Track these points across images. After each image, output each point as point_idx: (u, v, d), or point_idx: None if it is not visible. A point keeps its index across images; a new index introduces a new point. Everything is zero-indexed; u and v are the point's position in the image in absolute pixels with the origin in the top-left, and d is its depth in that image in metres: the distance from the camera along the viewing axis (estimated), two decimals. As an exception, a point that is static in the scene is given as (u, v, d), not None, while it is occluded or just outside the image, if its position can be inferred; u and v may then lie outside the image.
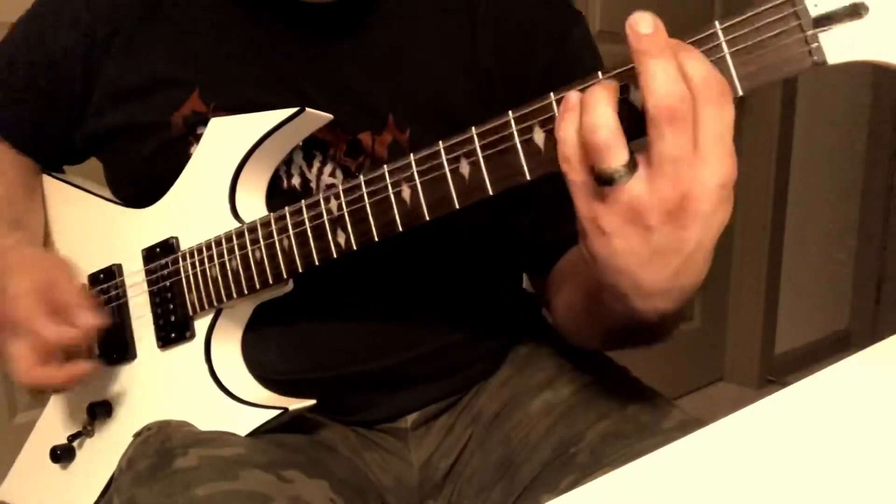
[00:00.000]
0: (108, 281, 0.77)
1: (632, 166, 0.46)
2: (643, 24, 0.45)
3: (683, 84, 0.44)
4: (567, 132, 0.48)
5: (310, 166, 0.73)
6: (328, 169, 0.73)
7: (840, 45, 0.44)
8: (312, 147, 0.72)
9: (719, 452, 0.43)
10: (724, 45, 0.47)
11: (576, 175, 0.48)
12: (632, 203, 0.46)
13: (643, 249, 0.48)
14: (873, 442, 0.43)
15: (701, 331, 2.54)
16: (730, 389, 2.59)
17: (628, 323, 0.56)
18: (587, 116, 0.46)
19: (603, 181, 0.47)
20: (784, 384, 0.50)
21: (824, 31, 0.44)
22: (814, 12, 0.44)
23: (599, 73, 0.49)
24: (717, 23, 0.47)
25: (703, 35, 0.47)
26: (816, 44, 0.45)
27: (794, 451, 0.43)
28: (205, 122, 0.71)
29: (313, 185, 0.73)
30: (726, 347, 2.64)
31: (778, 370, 2.61)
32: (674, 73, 0.44)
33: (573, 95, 0.48)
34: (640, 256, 0.48)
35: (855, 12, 0.43)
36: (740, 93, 0.47)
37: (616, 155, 0.46)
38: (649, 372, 0.81)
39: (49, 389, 0.76)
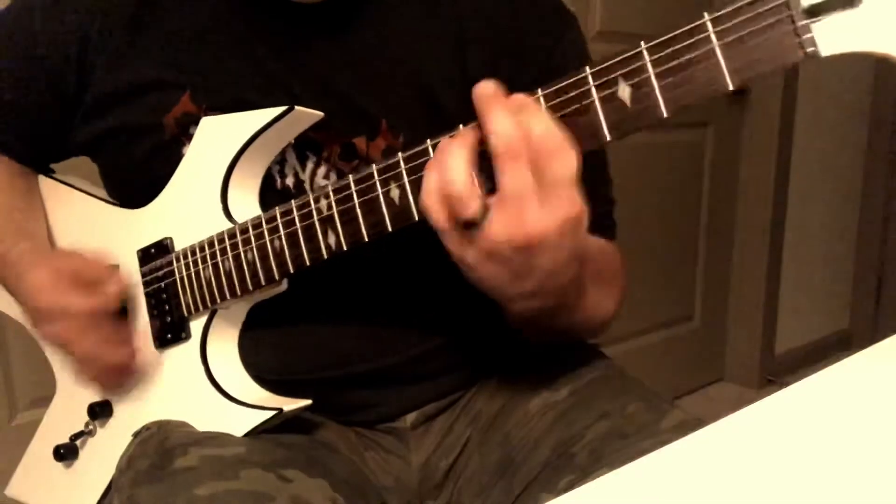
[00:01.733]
0: (106, 281, 0.77)
1: (486, 209, 0.53)
2: (487, 87, 0.53)
3: (519, 129, 0.51)
4: (428, 186, 0.54)
5: (303, 167, 0.73)
6: (322, 170, 0.73)
7: (833, 37, 0.43)
8: (305, 147, 0.72)
9: (719, 452, 0.43)
10: (713, 37, 0.46)
11: (440, 223, 0.55)
12: (488, 242, 0.53)
13: (504, 275, 0.55)
14: (873, 442, 0.43)
15: (701, 331, 2.55)
16: (730, 389, 2.59)
17: (528, 318, 0.64)
18: (442, 172, 0.53)
19: (465, 225, 0.54)
20: (784, 384, 0.50)
21: (817, 21, 0.44)
22: (805, 3, 0.43)
23: (587, 68, 0.51)
24: (705, 14, 0.47)
25: (691, 27, 0.47)
26: (809, 35, 0.44)
27: (794, 451, 0.43)
28: (197, 123, 0.71)
29: (307, 185, 0.73)
30: (726, 347, 2.65)
31: (778, 370, 2.61)
32: (511, 119, 0.51)
33: (446, 141, 0.54)
34: (502, 279, 0.56)
35: (848, 2, 0.43)
36: (730, 86, 0.47)
37: (470, 204, 0.52)
38: (649, 372, 0.81)
39: (106, 375, 0.75)
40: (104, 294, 0.71)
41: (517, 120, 0.51)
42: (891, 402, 0.48)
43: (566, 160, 0.51)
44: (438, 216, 0.54)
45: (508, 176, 0.51)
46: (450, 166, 0.53)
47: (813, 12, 0.43)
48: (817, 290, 2.78)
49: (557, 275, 0.56)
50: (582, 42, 0.78)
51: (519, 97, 0.53)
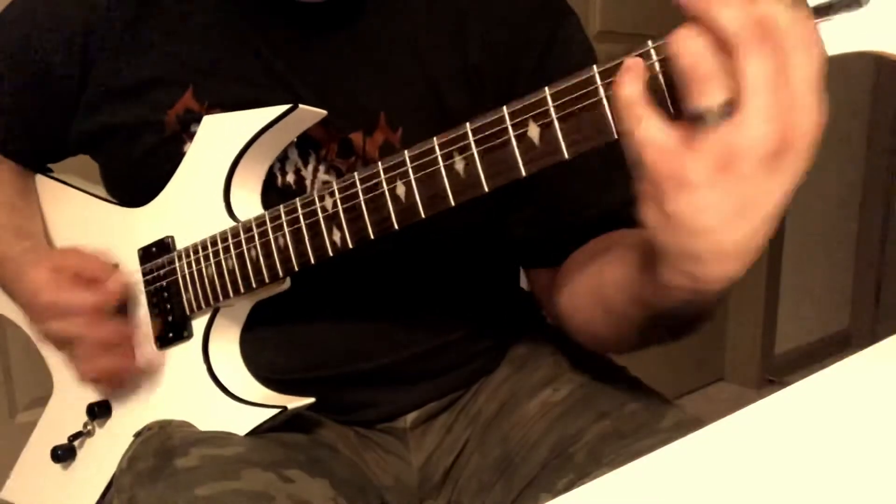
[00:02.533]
0: (106, 280, 0.77)
1: (729, 105, 0.42)
2: None
3: (756, 13, 0.41)
4: (631, 89, 0.45)
5: (305, 164, 0.73)
6: (323, 167, 0.73)
7: (839, 36, 0.43)
8: (307, 145, 0.72)
9: (719, 452, 0.43)
10: None
11: (651, 128, 0.45)
12: (726, 146, 0.42)
13: (731, 202, 0.44)
14: (873, 442, 0.43)
15: (701, 331, 2.54)
16: (730, 389, 2.59)
17: (678, 304, 0.53)
18: (687, 50, 0.42)
19: (698, 121, 0.43)
20: (784, 384, 0.50)
21: (823, 21, 0.44)
22: (812, 2, 0.43)
23: (594, 67, 0.49)
24: None
25: None
26: None
27: (794, 451, 0.43)
28: (198, 121, 0.71)
29: (308, 182, 0.73)
30: (726, 347, 2.64)
31: (778, 370, 2.61)
32: (751, 6, 0.41)
33: (633, 58, 0.46)
34: (726, 211, 0.44)
35: (855, 1, 0.42)
36: None
37: (720, 87, 0.42)
38: (649, 372, 0.81)
39: (107, 374, 0.75)
40: (105, 291, 0.71)
41: (753, 6, 0.41)
42: (891, 402, 0.48)
43: (815, 55, 0.42)
44: (649, 121, 0.45)
45: (757, 62, 0.41)
46: (691, 43, 0.42)
47: (819, 12, 0.43)
48: (817, 290, 2.78)
49: (773, 216, 0.45)
50: (582, 33, 0.78)
51: None
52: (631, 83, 0.45)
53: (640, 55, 0.47)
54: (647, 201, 0.47)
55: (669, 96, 0.46)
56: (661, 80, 0.46)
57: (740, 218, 0.44)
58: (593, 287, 0.66)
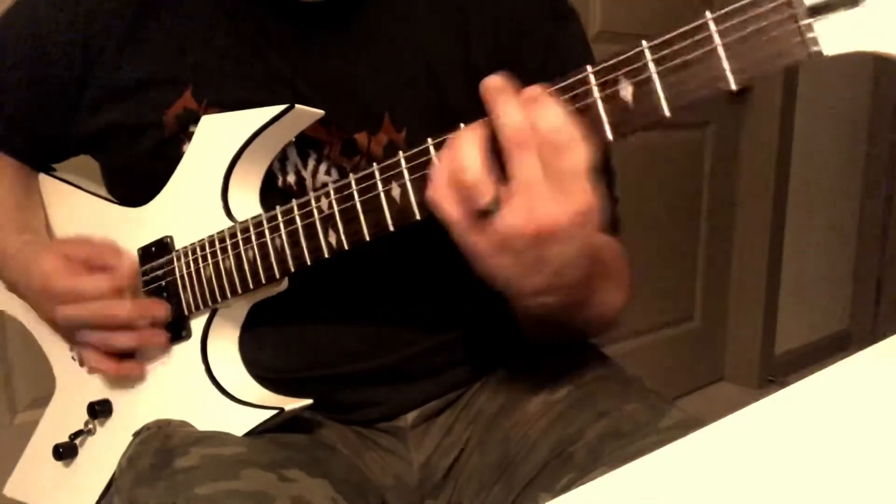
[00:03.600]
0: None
1: (498, 200, 0.52)
2: (495, 80, 0.53)
3: (528, 119, 0.51)
4: (440, 178, 0.54)
5: (305, 164, 0.73)
6: (323, 167, 0.73)
7: (837, 36, 0.43)
8: (307, 145, 0.72)
9: (719, 452, 0.43)
10: (716, 37, 0.46)
11: (450, 214, 0.54)
12: (499, 233, 0.53)
13: (516, 267, 0.55)
14: (873, 442, 0.43)
15: (701, 331, 2.54)
16: (730, 389, 2.59)
17: (538, 315, 0.64)
18: (455, 160, 0.53)
19: (477, 216, 0.53)
20: (784, 384, 0.50)
21: (820, 20, 0.43)
22: (809, 2, 0.43)
23: (588, 67, 0.50)
24: (707, 13, 0.46)
25: (693, 26, 0.47)
26: (812, 34, 0.44)
27: (794, 451, 0.42)
28: (197, 121, 0.71)
29: (308, 183, 0.73)
30: (726, 347, 2.64)
31: (778, 370, 2.61)
32: (520, 110, 0.51)
33: (461, 137, 0.54)
34: (514, 271, 0.55)
35: (852, 1, 0.42)
36: (733, 86, 0.47)
37: (484, 191, 0.52)
38: (649, 372, 0.81)
39: (118, 360, 0.75)
40: (118, 276, 0.71)
41: (527, 111, 0.51)
42: (891, 402, 0.48)
43: (577, 152, 0.51)
44: (450, 207, 0.54)
45: (519, 165, 0.51)
46: (463, 154, 0.52)
47: (816, 11, 0.43)
48: (817, 290, 2.78)
49: (568, 268, 0.56)
50: (583, 35, 0.78)
51: (531, 90, 0.53)
52: (442, 172, 0.54)
53: (633, 55, 0.47)
54: None
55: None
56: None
57: (528, 274, 0.55)
58: None
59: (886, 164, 2.78)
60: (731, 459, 0.42)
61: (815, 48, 0.44)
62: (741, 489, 0.39)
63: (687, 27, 0.47)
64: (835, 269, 2.84)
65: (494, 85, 0.53)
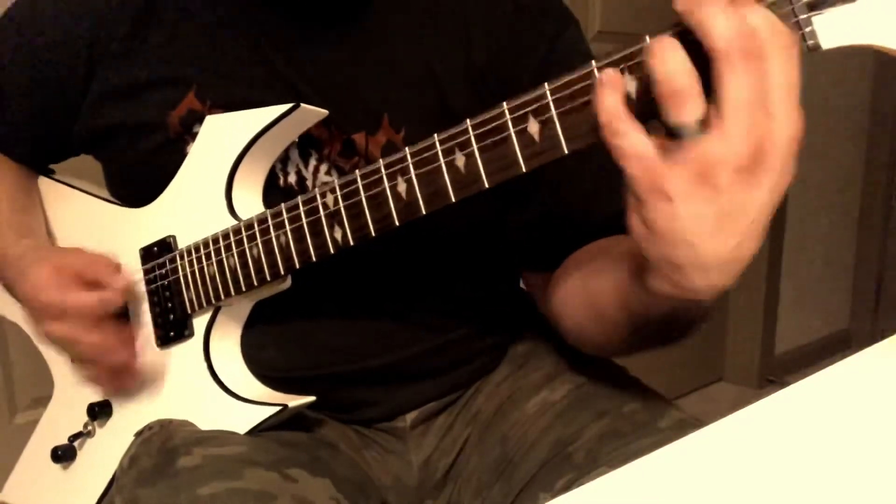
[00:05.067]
0: (106, 280, 0.77)
1: (705, 119, 0.43)
2: None
3: (745, 25, 0.42)
4: (612, 103, 0.46)
5: (306, 164, 0.73)
6: (324, 168, 0.73)
7: (834, 29, 0.43)
8: (308, 145, 0.72)
9: (719, 452, 0.43)
10: None
11: (631, 141, 0.45)
12: (703, 159, 0.43)
13: (710, 213, 0.44)
14: (873, 442, 0.43)
15: (701, 331, 2.54)
16: (730, 389, 2.59)
17: (667, 311, 0.54)
18: (661, 65, 0.43)
19: (675, 134, 0.44)
20: (784, 384, 0.50)
21: (818, 14, 0.44)
22: None
23: (593, 62, 0.49)
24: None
25: None
26: (810, 28, 0.44)
27: (794, 451, 0.43)
28: (201, 121, 0.71)
29: (309, 182, 0.73)
30: (726, 347, 2.64)
31: (778, 370, 2.61)
32: (736, 14, 0.42)
33: (611, 71, 0.46)
34: (705, 222, 0.45)
35: None
36: None
37: (695, 104, 0.43)
38: (649, 372, 0.81)
39: (108, 375, 0.75)
40: (108, 292, 0.71)
41: (740, 17, 0.42)
42: (891, 402, 0.48)
43: (794, 65, 0.42)
44: (629, 134, 0.45)
45: (741, 82, 0.42)
46: (673, 57, 0.43)
47: (814, 5, 0.43)
48: (817, 290, 2.78)
49: (760, 228, 0.46)
50: (582, 40, 0.79)
51: None
52: (609, 96, 0.46)
53: (634, 52, 0.47)
54: (631, 211, 0.48)
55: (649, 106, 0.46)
56: (637, 89, 0.46)
57: (719, 230, 0.45)
58: (584, 292, 0.67)
59: (886, 164, 2.78)
60: (730, 459, 0.42)
61: (813, 41, 0.44)
62: (741, 489, 0.39)
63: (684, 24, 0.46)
64: (835, 270, 2.84)
65: None
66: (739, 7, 0.42)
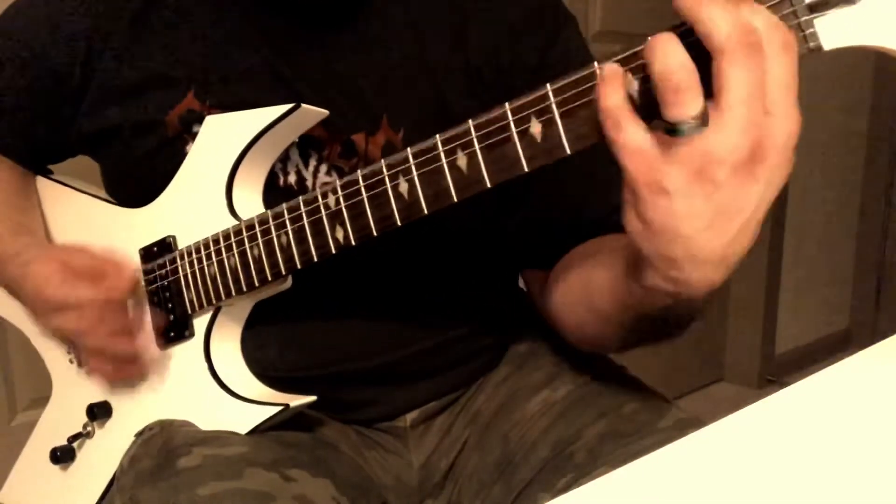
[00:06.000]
0: (106, 280, 0.77)
1: (704, 114, 0.43)
2: None
3: (743, 21, 0.42)
4: (613, 98, 0.46)
5: (306, 164, 0.73)
6: (324, 168, 0.73)
7: (836, 31, 0.44)
8: (308, 145, 0.72)
9: (719, 452, 0.43)
10: None
11: (630, 136, 0.45)
12: (701, 155, 0.43)
13: (706, 209, 0.45)
14: (873, 442, 0.43)
15: (701, 331, 2.54)
16: (730, 389, 2.59)
17: (662, 307, 0.55)
18: (660, 60, 0.43)
19: (675, 131, 0.44)
20: (784, 384, 0.50)
21: (819, 16, 0.44)
22: None
23: (595, 63, 0.49)
24: None
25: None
26: (812, 29, 0.44)
27: (794, 451, 0.43)
28: (200, 121, 0.71)
29: (309, 183, 0.73)
30: (726, 347, 2.65)
31: (778, 370, 2.61)
32: (736, 11, 0.42)
33: (613, 66, 0.47)
34: (701, 218, 0.45)
35: None
36: None
37: (694, 98, 0.43)
38: (649, 372, 0.81)
39: (114, 367, 0.75)
40: (111, 287, 0.71)
41: (738, 13, 0.42)
42: (891, 402, 0.48)
43: (792, 63, 0.43)
44: (629, 128, 0.45)
45: (741, 77, 0.42)
46: (673, 53, 0.43)
47: (815, 7, 0.44)
48: (817, 290, 2.78)
49: (755, 225, 0.47)
50: (580, 39, 0.79)
51: None
52: (611, 90, 0.46)
53: (637, 52, 0.47)
54: (628, 207, 0.49)
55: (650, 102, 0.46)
56: (638, 88, 0.47)
57: (716, 226, 0.46)
58: (582, 289, 0.67)
59: (886, 164, 2.78)
60: (730, 459, 0.42)
61: (815, 43, 0.44)
62: (741, 489, 0.39)
63: (685, 24, 0.47)
64: (835, 269, 2.84)
65: None
66: (739, 5, 0.43)
